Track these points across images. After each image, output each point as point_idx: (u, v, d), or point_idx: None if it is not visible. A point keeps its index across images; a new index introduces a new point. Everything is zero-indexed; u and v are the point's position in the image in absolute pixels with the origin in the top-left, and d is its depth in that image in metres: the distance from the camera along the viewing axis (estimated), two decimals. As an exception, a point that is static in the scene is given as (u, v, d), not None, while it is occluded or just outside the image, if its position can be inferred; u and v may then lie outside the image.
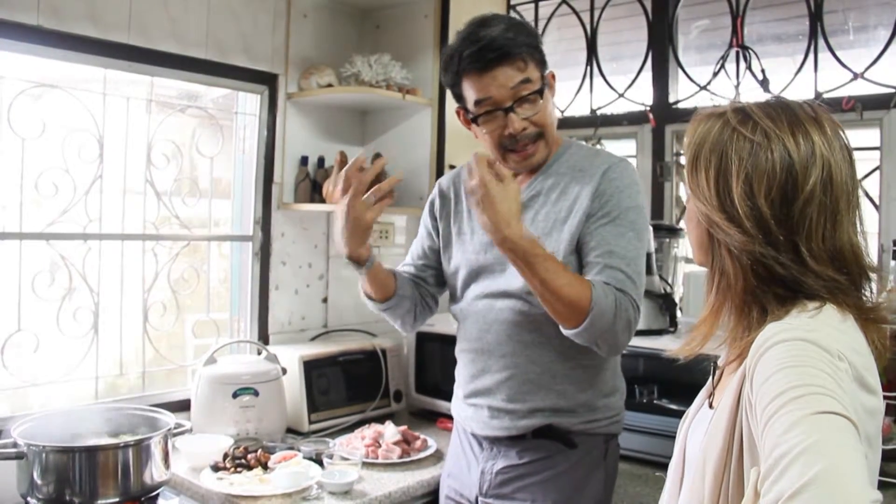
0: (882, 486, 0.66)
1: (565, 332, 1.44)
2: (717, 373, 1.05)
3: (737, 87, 2.37)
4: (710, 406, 1.02)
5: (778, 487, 0.66)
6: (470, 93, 1.54)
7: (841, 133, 0.93)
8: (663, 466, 1.17)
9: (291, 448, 1.99)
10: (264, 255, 2.50)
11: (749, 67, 2.34)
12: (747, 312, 0.93)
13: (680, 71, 2.53)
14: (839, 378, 0.77)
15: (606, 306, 1.39)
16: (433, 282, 1.79)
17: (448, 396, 1.81)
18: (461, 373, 1.70)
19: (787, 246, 0.89)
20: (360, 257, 1.60)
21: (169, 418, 1.80)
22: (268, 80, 2.48)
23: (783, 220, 0.89)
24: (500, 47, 1.48)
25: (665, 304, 2.18)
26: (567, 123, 2.71)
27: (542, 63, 1.55)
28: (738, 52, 2.36)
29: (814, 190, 0.88)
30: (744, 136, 0.92)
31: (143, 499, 1.66)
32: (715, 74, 2.41)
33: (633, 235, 1.50)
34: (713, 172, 0.92)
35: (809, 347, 0.80)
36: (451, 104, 2.57)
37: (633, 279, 1.46)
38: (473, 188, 1.39)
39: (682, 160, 2.54)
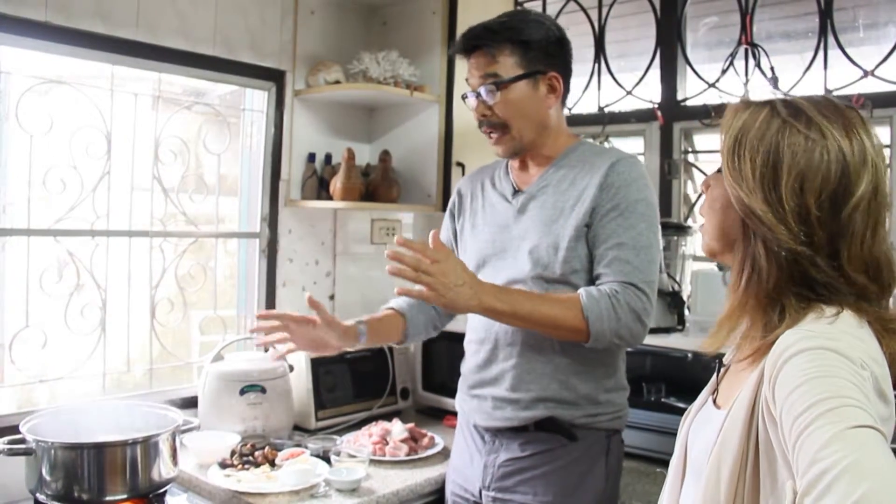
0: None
1: (585, 346, 1.51)
2: (723, 370, 1.05)
3: (745, 84, 2.35)
4: (715, 403, 1.01)
5: None
6: None
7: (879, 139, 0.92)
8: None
9: (299, 445, 1.99)
10: (271, 252, 2.50)
11: (758, 65, 2.32)
12: (769, 311, 0.91)
13: (688, 68, 2.51)
14: (864, 388, 0.76)
15: (602, 309, 1.46)
16: None
17: (455, 394, 1.81)
18: (468, 364, 1.72)
19: (826, 249, 0.87)
20: (354, 343, 1.66)
21: (177, 415, 1.79)
22: (275, 77, 2.48)
23: (828, 223, 0.87)
24: (475, 38, 1.62)
25: (673, 302, 2.17)
26: (574, 121, 2.69)
27: (531, 60, 1.60)
28: (746, 50, 2.35)
29: (863, 196, 0.87)
30: (798, 131, 0.89)
31: (150, 495, 1.66)
32: (723, 72, 2.39)
33: (644, 227, 1.54)
34: (760, 162, 0.89)
35: (833, 357, 0.79)
36: (458, 101, 2.59)
37: (640, 269, 1.51)
38: (419, 271, 1.41)
39: (691, 158, 2.53)
